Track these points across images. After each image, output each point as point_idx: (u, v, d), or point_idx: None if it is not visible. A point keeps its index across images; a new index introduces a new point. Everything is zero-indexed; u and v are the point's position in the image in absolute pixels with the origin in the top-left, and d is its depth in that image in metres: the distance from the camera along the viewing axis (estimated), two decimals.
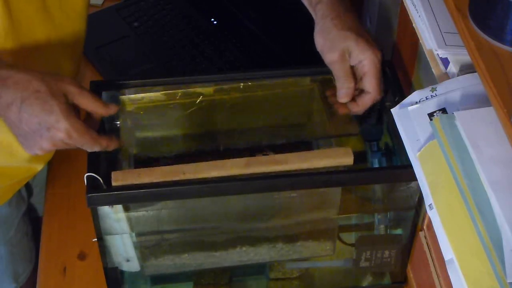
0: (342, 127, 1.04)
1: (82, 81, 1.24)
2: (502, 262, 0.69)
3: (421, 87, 0.95)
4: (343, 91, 0.98)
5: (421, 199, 0.97)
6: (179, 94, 1.06)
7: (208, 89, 1.07)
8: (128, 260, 1.02)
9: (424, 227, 1.02)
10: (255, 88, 1.07)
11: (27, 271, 1.35)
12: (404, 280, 1.12)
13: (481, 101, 0.80)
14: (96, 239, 0.98)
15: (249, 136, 1.10)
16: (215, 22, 1.50)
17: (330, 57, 0.97)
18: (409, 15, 0.95)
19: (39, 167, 1.17)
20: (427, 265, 1.00)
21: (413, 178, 0.86)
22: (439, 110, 0.85)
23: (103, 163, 0.95)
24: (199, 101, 1.07)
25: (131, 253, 1.01)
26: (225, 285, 1.12)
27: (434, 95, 0.87)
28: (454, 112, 0.79)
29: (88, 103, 0.91)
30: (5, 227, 1.26)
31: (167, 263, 1.04)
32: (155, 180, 0.92)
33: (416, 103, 0.88)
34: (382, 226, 1.07)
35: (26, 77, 0.88)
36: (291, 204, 1.00)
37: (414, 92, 0.89)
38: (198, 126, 1.10)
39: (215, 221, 1.03)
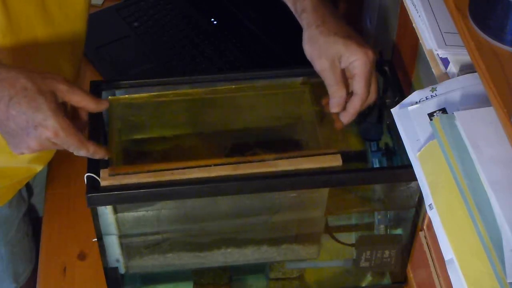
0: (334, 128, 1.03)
1: (82, 81, 1.24)
2: (502, 262, 0.69)
3: (421, 87, 0.95)
4: (335, 100, 0.96)
5: (421, 199, 0.97)
6: (172, 93, 1.06)
7: (202, 90, 1.07)
8: (117, 261, 1.02)
9: (424, 227, 1.02)
10: (247, 88, 1.07)
11: (27, 271, 1.35)
12: (404, 280, 1.12)
13: (481, 101, 0.80)
14: (96, 239, 0.98)
15: (240, 135, 1.09)
16: (215, 22, 1.50)
17: (319, 65, 0.96)
18: (409, 15, 0.95)
19: (39, 167, 1.17)
20: (427, 265, 1.00)
21: (413, 178, 0.86)
22: (439, 110, 0.85)
23: (103, 164, 0.95)
24: (193, 100, 1.07)
25: (119, 255, 1.01)
26: (225, 285, 1.12)
27: (434, 95, 0.87)
28: (454, 112, 0.79)
29: (79, 99, 0.90)
30: (5, 227, 1.26)
31: (152, 262, 1.04)
32: (143, 176, 0.92)
33: (416, 103, 0.88)
34: (382, 226, 1.07)
35: (13, 75, 0.86)
36: (278, 206, 1.00)
37: (414, 92, 0.89)
38: (192, 125, 1.10)
39: (202, 222, 1.02)
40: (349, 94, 0.97)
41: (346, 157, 0.97)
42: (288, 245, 1.06)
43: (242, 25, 1.48)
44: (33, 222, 1.35)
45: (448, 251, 0.77)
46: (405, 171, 0.91)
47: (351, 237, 1.10)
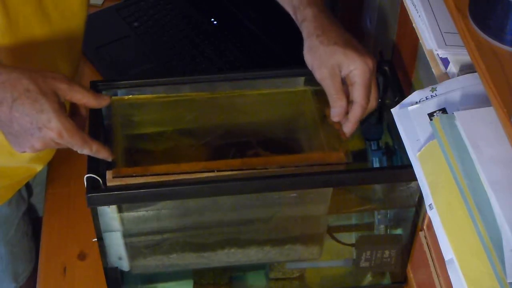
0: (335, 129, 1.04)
1: (82, 81, 1.24)
2: (502, 262, 0.69)
3: (421, 87, 0.95)
4: (336, 110, 0.97)
5: (421, 199, 0.97)
6: (175, 94, 1.06)
7: (205, 90, 1.07)
8: (120, 258, 1.02)
9: (424, 227, 1.02)
10: (250, 88, 1.07)
11: (27, 271, 1.35)
12: (404, 280, 1.12)
13: (481, 101, 0.80)
14: (96, 239, 0.98)
15: (242, 135, 1.09)
16: (215, 22, 1.50)
17: (320, 74, 0.96)
18: (409, 15, 0.95)
19: (38, 167, 1.17)
20: (427, 265, 1.00)
21: (413, 178, 0.86)
22: (439, 110, 0.85)
23: (102, 164, 0.95)
24: (196, 101, 1.07)
25: (123, 251, 1.01)
26: (225, 285, 1.12)
27: (434, 95, 0.87)
28: (454, 112, 0.79)
29: (80, 97, 0.91)
30: (5, 227, 1.26)
31: (155, 262, 1.04)
32: (150, 179, 0.92)
33: (416, 103, 0.88)
34: (382, 226, 1.07)
35: (15, 76, 0.87)
36: (281, 206, 1.00)
37: (414, 92, 0.89)
38: (195, 125, 1.10)
39: (205, 222, 1.02)
40: (350, 102, 0.98)
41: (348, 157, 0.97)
42: (290, 245, 1.06)
43: (242, 25, 1.48)
44: (33, 222, 1.35)
45: (448, 251, 0.77)
46: (405, 171, 0.91)
47: (351, 237, 1.10)
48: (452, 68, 0.87)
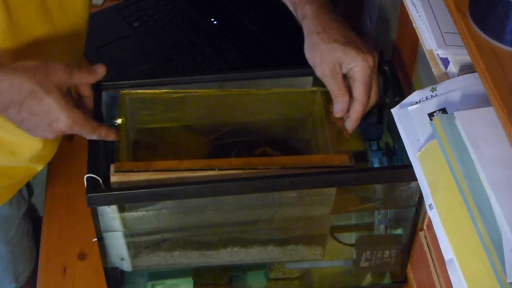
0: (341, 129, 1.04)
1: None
2: (502, 262, 0.69)
3: (421, 87, 0.95)
4: (338, 106, 0.97)
5: (421, 199, 0.97)
6: (182, 91, 1.06)
7: (213, 88, 1.07)
8: (122, 259, 1.02)
9: (424, 227, 1.02)
10: (258, 87, 1.08)
11: (27, 271, 1.35)
12: (404, 280, 1.12)
13: (481, 101, 0.80)
14: (96, 239, 0.98)
15: (249, 132, 1.10)
16: (215, 22, 1.50)
17: (321, 71, 0.97)
18: (409, 15, 0.95)
19: (39, 167, 1.18)
20: (427, 265, 1.00)
21: (413, 178, 0.86)
22: (439, 110, 0.85)
23: (102, 164, 0.95)
24: (203, 98, 1.07)
25: (125, 252, 1.02)
26: (225, 285, 1.12)
27: (434, 95, 0.87)
28: (454, 112, 0.79)
29: (80, 78, 0.94)
30: (5, 226, 1.26)
31: (158, 260, 1.04)
32: (153, 174, 0.92)
33: (416, 103, 0.88)
34: (382, 226, 1.08)
35: (17, 80, 0.88)
36: (285, 206, 1.00)
37: (414, 92, 0.89)
38: (201, 122, 1.10)
39: (209, 221, 1.03)
40: (352, 99, 0.98)
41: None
42: (293, 245, 1.06)
43: (242, 25, 1.48)
44: (33, 221, 1.35)
45: (448, 251, 0.77)
46: (405, 171, 0.91)
47: (351, 237, 1.10)
48: (452, 68, 0.87)
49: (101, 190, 0.91)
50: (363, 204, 1.05)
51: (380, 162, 1.04)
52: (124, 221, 0.97)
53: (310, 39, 0.97)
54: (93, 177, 0.91)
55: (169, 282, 1.15)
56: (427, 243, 1.01)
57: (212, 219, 1.02)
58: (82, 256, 1.17)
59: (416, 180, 0.85)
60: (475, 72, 0.74)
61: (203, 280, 1.12)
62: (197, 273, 1.11)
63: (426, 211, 0.88)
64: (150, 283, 1.14)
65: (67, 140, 1.27)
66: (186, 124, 1.10)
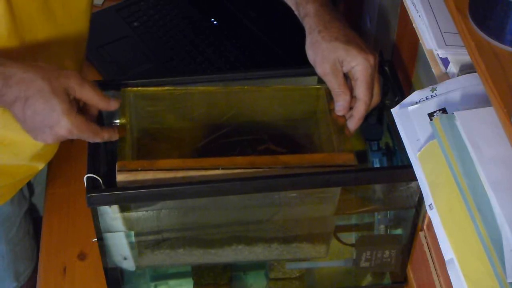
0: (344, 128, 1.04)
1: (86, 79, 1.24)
2: (502, 262, 0.69)
3: (421, 87, 0.95)
4: (339, 104, 0.98)
5: (421, 199, 0.97)
6: (185, 89, 1.06)
7: (217, 85, 1.07)
8: (125, 259, 1.02)
9: (424, 227, 1.02)
10: (262, 85, 1.08)
11: (28, 270, 1.35)
12: (404, 280, 1.12)
13: (481, 101, 0.80)
14: (96, 239, 0.98)
15: (253, 129, 1.10)
16: (215, 22, 1.50)
17: (322, 70, 0.98)
18: (409, 15, 0.95)
19: (40, 165, 1.18)
20: (427, 265, 1.00)
21: (413, 178, 0.86)
22: (439, 110, 0.85)
23: (103, 164, 0.95)
24: (207, 95, 1.07)
25: (128, 251, 1.02)
26: (225, 285, 1.12)
27: (434, 95, 0.87)
28: (454, 112, 0.79)
29: (89, 97, 0.93)
30: (6, 225, 1.26)
31: (163, 257, 1.04)
32: (158, 172, 0.92)
33: (416, 103, 0.88)
34: (382, 226, 1.07)
35: (30, 76, 0.89)
36: (289, 204, 1.00)
37: (414, 92, 0.89)
38: (205, 119, 1.10)
39: (213, 220, 1.03)
40: (354, 98, 0.98)
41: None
42: (298, 243, 1.06)
43: (242, 25, 1.48)
44: (34, 221, 1.35)
45: (448, 251, 0.77)
46: (405, 171, 0.91)
47: (351, 237, 1.10)
48: (452, 68, 0.87)
49: (101, 190, 0.91)
50: (363, 205, 1.05)
51: (380, 162, 1.04)
52: (125, 221, 0.97)
53: (311, 37, 0.98)
54: (93, 177, 0.91)
55: (169, 283, 1.15)
56: (427, 243, 1.01)
57: (214, 218, 1.02)
58: (82, 256, 1.17)
59: (416, 180, 0.85)
60: (475, 72, 0.74)
61: (203, 280, 1.12)
62: (197, 273, 1.11)
63: (426, 211, 0.88)
64: (151, 284, 1.14)
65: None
66: (189, 121, 1.10)
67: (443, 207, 0.79)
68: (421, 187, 0.84)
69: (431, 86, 0.88)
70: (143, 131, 1.07)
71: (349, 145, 0.99)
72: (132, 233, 1.01)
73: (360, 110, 0.97)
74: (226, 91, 1.07)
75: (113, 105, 0.95)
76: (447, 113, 0.84)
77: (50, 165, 1.28)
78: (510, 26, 0.70)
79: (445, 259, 0.77)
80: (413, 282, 1.09)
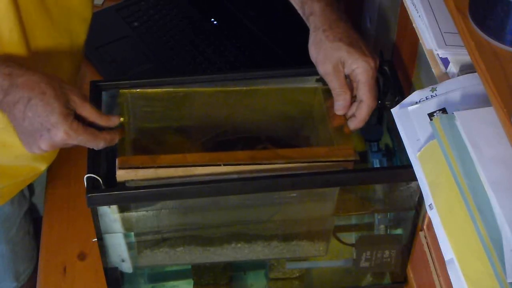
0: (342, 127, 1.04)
1: (82, 81, 1.24)
2: (502, 262, 0.69)
3: (421, 87, 0.95)
4: (339, 103, 0.99)
5: (421, 199, 0.97)
6: (182, 90, 1.06)
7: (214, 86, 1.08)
8: (123, 261, 1.03)
9: (424, 227, 1.02)
10: (260, 85, 1.08)
11: (28, 270, 1.35)
12: (404, 280, 1.12)
13: (481, 101, 0.80)
14: (96, 239, 0.98)
15: (252, 129, 1.10)
16: (215, 22, 1.50)
17: (324, 69, 0.98)
18: (409, 15, 0.95)
19: (42, 167, 1.18)
20: (427, 265, 1.00)
21: (413, 178, 0.86)
22: (439, 110, 0.85)
23: (103, 164, 0.95)
24: (204, 95, 1.07)
25: (126, 254, 1.02)
26: (225, 285, 1.12)
27: (434, 95, 0.87)
28: (454, 112, 0.79)
29: (88, 115, 0.93)
30: (6, 225, 1.26)
31: (163, 257, 1.04)
32: (159, 170, 0.92)
33: (416, 103, 0.88)
34: (382, 226, 1.07)
35: (35, 79, 0.91)
36: (289, 203, 1.00)
37: (414, 92, 0.89)
38: (202, 119, 1.10)
39: (213, 219, 1.03)
40: (353, 98, 0.99)
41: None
42: (297, 241, 1.06)
43: (242, 25, 1.48)
44: (34, 221, 1.35)
45: (448, 251, 0.77)
46: (405, 171, 0.91)
47: (351, 237, 1.10)
48: (452, 68, 0.87)
49: (101, 190, 0.91)
50: (363, 205, 1.05)
51: (380, 163, 1.04)
52: (124, 221, 0.97)
53: (315, 35, 0.98)
54: (93, 177, 0.91)
55: (169, 283, 1.15)
56: (427, 243, 1.01)
57: (214, 217, 1.02)
58: (82, 256, 1.17)
59: (416, 180, 0.85)
60: (475, 72, 0.74)
61: (203, 280, 1.12)
62: (197, 273, 1.11)
63: (426, 211, 0.88)
64: (151, 284, 1.14)
65: None
66: (188, 122, 1.10)
67: (443, 207, 0.79)
68: (421, 187, 0.84)
69: (431, 86, 0.88)
70: (142, 132, 1.07)
71: (349, 144, 0.99)
72: (130, 235, 1.01)
73: (363, 112, 0.98)
74: (224, 91, 1.08)
75: (113, 122, 0.95)
76: (447, 113, 0.84)
77: (50, 165, 1.27)
78: (510, 26, 0.70)
79: (445, 259, 0.77)
80: (413, 282, 1.09)
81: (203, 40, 1.45)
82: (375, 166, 1.05)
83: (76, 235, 1.19)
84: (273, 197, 0.99)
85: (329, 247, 1.08)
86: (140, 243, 1.03)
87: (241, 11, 1.49)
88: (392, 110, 0.91)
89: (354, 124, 0.99)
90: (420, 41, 0.92)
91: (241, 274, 1.15)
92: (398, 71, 1.05)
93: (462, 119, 0.77)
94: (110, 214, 0.95)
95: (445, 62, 0.88)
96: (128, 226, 0.98)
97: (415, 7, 0.93)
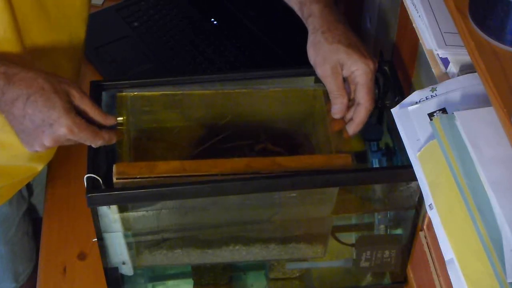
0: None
1: (82, 81, 1.24)
2: (502, 262, 0.69)
3: (421, 87, 0.95)
4: (336, 107, 0.99)
5: (421, 199, 0.97)
6: (181, 92, 1.06)
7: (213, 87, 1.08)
8: (124, 263, 1.03)
9: (424, 227, 1.02)
10: (260, 85, 1.08)
11: (27, 271, 1.35)
12: (404, 280, 1.12)
13: (481, 101, 0.80)
14: (96, 239, 0.98)
15: (249, 131, 1.10)
16: (215, 22, 1.50)
17: (322, 71, 0.98)
18: (409, 15, 0.95)
19: (39, 167, 1.18)
20: (427, 265, 1.00)
21: (413, 178, 0.86)
22: (439, 110, 0.85)
23: (102, 164, 0.95)
24: (204, 97, 1.07)
25: (126, 256, 1.02)
26: (225, 285, 1.12)
27: (434, 95, 0.87)
28: (454, 112, 0.79)
29: (88, 109, 0.93)
30: (5, 226, 1.26)
31: (162, 257, 1.04)
32: (156, 175, 0.92)
33: (416, 103, 0.88)
34: (382, 226, 1.07)
35: (31, 75, 0.90)
36: (287, 204, 1.00)
37: (414, 92, 0.89)
38: (202, 120, 1.10)
39: (211, 220, 1.03)
40: (350, 101, 0.99)
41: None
42: (295, 244, 1.06)
43: (242, 25, 1.48)
44: (33, 221, 1.35)
45: (448, 251, 0.77)
46: (405, 171, 0.91)
47: (351, 237, 1.10)
48: (452, 68, 0.87)
49: (101, 190, 0.91)
50: (363, 205, 1.05)
51: (380, 162, 1.04)
52: (124, 221, 0.97)
53: (314, 37, 0.98)
54: (93, 177, 0.91)
55: (169, 283, 1.15)
56: (427, 243, 1.01)
57: (213, 218, 1.02)
58: (82, 256, 1.17)
59: (416, 180, 0.85)
60: (475, 72, 0.74)
61: (203, 280, 1.12)
62: (197, 273, 1.11)
63: (426, 211, 0.88)
64: (151, 284, 1.14)
65: None
66: (187, 123, 1.10)
67: (443, 207, 0.79)
68: (421, 187, 0.84)
69: (431, 86, 0.88)
70: (141, 135, 1.07)
71: (348, 147, 0.99)
72: (131, 237, 1.01)
73: (361, 115, 0.98)
74: (223, 93, 1.07)
75: (110, 121, 0.95)
76: (447, 113, 0.84)
77: (50, 165, 1.28)
78: (510, 26, 0.70)
79: (445, 259, 0.77)
80: (413, 282, 1.09)
81: (203, 40, 1.45)
82: (375, 166, 1.05)
83: (76, 235, 1.19)
84: (272, 198, 0.98)
85: (329, 247, 1.08)
86: (139, 243, 1.03)
87: (241, 11, 1.49)
88: (392, 110, 0.91)
89: (353, 128, 0.99)
90: (420, 41, 0.92)
91: (241, 274, 1.15)
92: (398, 71, 1.05)
93: (462, 119, 0.78)
94: (110, 214, 0.95)
95: (445, 62, 0.88)
96: (128, 226, 0.98)
97: (415, 7, 0.93)
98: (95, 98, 1.01)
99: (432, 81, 0.91)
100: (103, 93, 1.04)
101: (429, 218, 0.93)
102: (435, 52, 0.89)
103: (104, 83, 1.05)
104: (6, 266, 1.30)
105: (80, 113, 0.92)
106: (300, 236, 1.06)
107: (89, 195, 0.90)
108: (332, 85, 0.98)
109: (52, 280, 1.15)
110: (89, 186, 0.90)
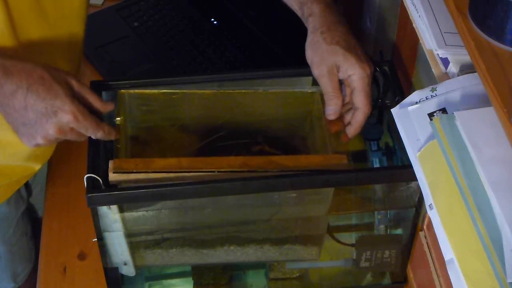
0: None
1: (82, 81, 1.24)
2: (502, 262, 0.69)
3: (421, 87, 0.95)
4: (331, 108, 0.98)
5: (421, 199, 0.97)
6: (180, 92, 1.06)
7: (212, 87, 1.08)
8: (125, 264, 1.03)
9: (424, 227, 1.02)
10: (257, 86, 1.08)
11: (26, 271, 1.35)
12: (404, 280, 1.12)
13: (481, 101, 0.80)
14: (96, 239, 0.98)
15: (248, 131, 1.10)
16: (215, 22, 1.50)
17: (318, 71, 0.98)
18: (409, 15, 0.95)
19: (37, 166, 1.17)
20: (427, 265, 1.00)
21: (413, 178, 0.86)
22: (439, 110, 0.85)
23: (102, 163, 0.95)
24: (202, 97, 1.07)
25: (128, 257, 1.02)
26: (225, 285, 1.12)
27: (434, 95, 0.87)
28: (454, 112, 0.79)
29: (87, 96, 0.93)
30: (3, 226, 1.26)
31: (162, 257, 1.04)
32: (152, 172, 0.92)
33: (416, 103, 0.88)
34: (382, 226, 1.08)
35: (30, 66, 0.90)
36: (284, 205, 1.00)
37: (414, 92, 0.89)
38: (200, 120, 1.10)
39: (206, 221, 1.03)
40: (345, 104, 0.99)
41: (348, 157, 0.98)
42: (290, 245, 1.06)
43: (242, 25, 1.48)
44: (32, 222, 1.35)
45: (448, 251, 0.77)
46: (405, 171, 0.91)
47: (351, 237, 1.10)
48: (452, 68, 0.87)
49: (101, 190, 0.91)
50: (363, 204, 1.06)
51: (380, 162, 1.04)
52: (124, 221, 0.97)
53: (313, 36, 0.98)
54: (93, 177, 0.91)
55: (169, 282, 1.15)
56: (427, 243, 1.01)
57: (210, 218, 1.02)
58: (82, 256, 1.17)
59: (416, 180, 0.85)
60: (475, 72, 0.74)
61: (203, 280, 1.12)
62: (196, 273, 1.11)
63: (426, 211, 0.88)
64: (150, 284, 1.14)
65: None
66: (185, 123, 1.10)
67: (443, 207, 0.79)
68: (421, 187, 0.84)
69: (431, 86, 0.88)
70: (138, 133, 1.07)
71: (345, 147, 0.99)
72: (131, 236, 1.01)
73: (359, 119, 0.98)
74: (221, 94, 1.07)
75: (109, 107, 0.95)
76: (447, 113, 0.84)
77: (50, 165, 1.28)
78: (510, 26, 0.70)
79: (445, 259, 0.77)
80: (413, 282, 1.09)
81: (203, 40, 1.45)
82: (375, 166, 1.05)
83: (76, 235, 1.19)
84: (272, 198, 0.98)
85: (329, 247, 1.08)
86: (139, 243, 1.03)
87: (241, 11, 1.49)
88: (392, 110, 0.91)
89: (351, 132, 0.99)
90: (420, 41, 0.92)
91: (241, 274, 1.15)
92: (398, 71, 1.05)
93: (462, 119, 0.78)
94: (110, 214, 0.95)
95: (445, 62, 0.88)
96: (128, 226, 0.98)
97: (415, 7, 0.93)
98: None
99: (432, 81, 0.91)
100: (103, 93, 1.04)
101: (429, 218, 0.93)
102: (435, 52, 0.89)
103: (104, 83, 1.05)
104: (4, 266, 1.30)
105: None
106: (295, 237, 1.06)
107: (89, 195, 0.90)
108: (327, 86, 0.98)
109: (52, 280, 1.15)
110: (89, 186, 0.90)
